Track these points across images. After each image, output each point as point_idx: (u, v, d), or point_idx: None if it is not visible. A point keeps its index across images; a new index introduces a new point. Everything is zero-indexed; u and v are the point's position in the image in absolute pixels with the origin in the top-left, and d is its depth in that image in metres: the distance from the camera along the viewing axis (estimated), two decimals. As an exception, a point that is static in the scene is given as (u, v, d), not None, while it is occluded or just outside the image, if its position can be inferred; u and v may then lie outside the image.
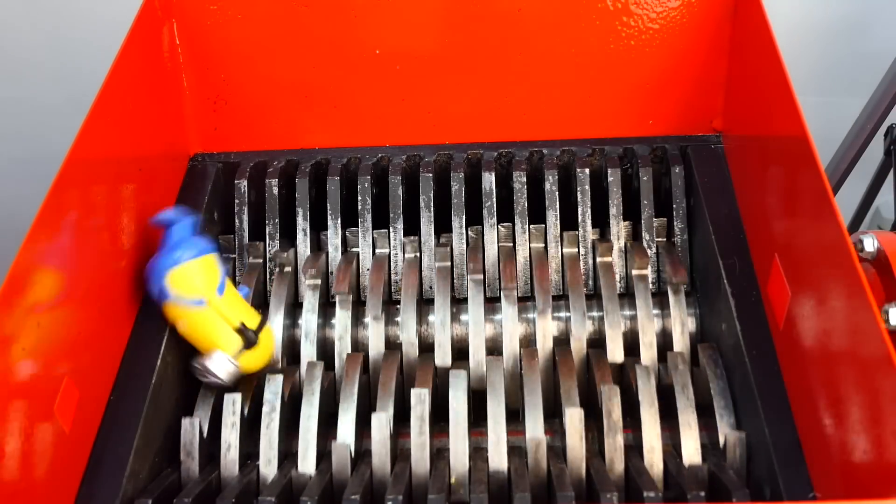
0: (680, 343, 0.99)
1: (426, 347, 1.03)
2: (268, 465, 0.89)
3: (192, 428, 0.90)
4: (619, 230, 1.09)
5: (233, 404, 0.91)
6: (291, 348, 1.04)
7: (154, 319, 0.96)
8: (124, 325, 0.95)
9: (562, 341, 1.01)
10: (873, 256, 0.94)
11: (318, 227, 1.13)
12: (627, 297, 1.05)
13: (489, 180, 1.10)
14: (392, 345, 1.02)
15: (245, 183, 1.11)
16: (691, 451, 0.87)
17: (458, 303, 1.06)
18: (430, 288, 1.07)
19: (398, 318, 1.02)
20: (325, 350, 1.03)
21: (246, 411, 0.93)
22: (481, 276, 1.03)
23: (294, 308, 1.07)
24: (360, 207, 1.11)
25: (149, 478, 0.88)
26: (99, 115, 0.91)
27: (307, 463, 0.89)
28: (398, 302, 1.04)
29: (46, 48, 1.78)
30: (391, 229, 1.10)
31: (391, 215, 1.10)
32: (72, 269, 0.85)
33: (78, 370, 0.84)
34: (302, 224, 1.11)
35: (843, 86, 1.77)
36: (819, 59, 1.76)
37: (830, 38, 1.75)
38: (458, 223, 1.09)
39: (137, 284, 0.98)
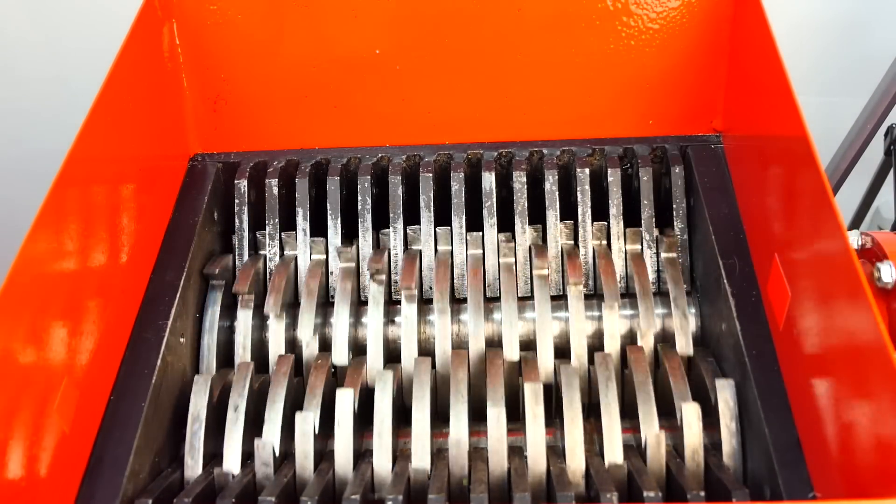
0: (680, 345, 0.99)
1: (427, 350, 1.04)
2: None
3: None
4: (619, 230, 1.09)
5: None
6: (292, 349, 1.04)
7: (154, 319, 0.97)
8: (124, 325, 0.95)
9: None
10: (890, 287, 0.93)
11: (319, 227, 1.13)
12: (627, 296, 1.05)
13: (489, 180, 1.10)
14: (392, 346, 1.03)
15: (245, 183, 1.11)
16: (691, 451, 0.87)
17: (459, 302, 1.06)
18: (430, 288, 1.07)
19: (397, 318, 1.04)
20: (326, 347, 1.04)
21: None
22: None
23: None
24: (360, 207, 1.11)
25: (149, 478, 0.88)
26: (99, 115, 0.91)
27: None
28: (398, 302, 1.04)
29: (46, 49, 1.78)
30: (391, 229, 1.10)
31: (391, 215, 1.10)
32: (71, 270, 0.85)
33: (78, 370, 0.84)
34: (302, 224, 1.11)
35: (843, 86, 1.77)
36: (819, 58, 1.77)
37: (830, 38, 1.75)
38: (458, 223, 1.09)
39: (137, 284, 0.98)
